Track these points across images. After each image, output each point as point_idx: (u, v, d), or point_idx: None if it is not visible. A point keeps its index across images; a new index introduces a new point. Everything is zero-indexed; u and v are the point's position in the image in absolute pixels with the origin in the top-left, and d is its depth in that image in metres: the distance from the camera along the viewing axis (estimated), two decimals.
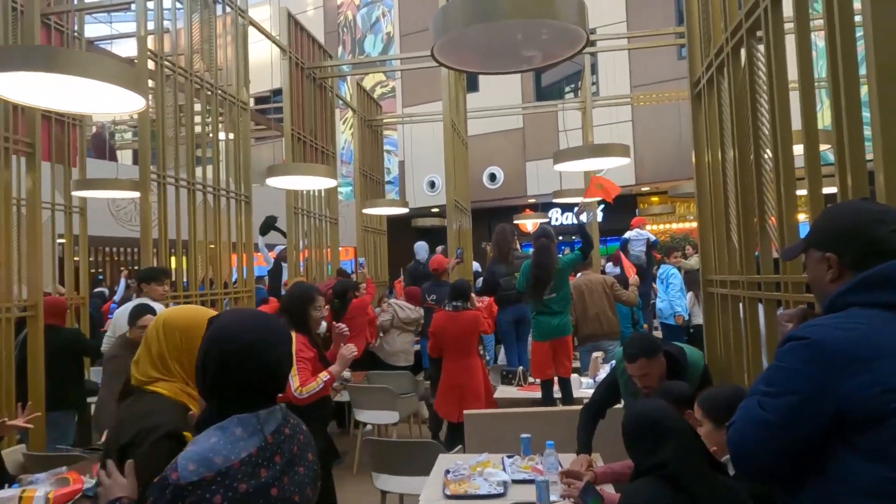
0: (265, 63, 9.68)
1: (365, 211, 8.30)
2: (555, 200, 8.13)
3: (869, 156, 1.50)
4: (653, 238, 8.16)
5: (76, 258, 6.13)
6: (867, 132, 1.50)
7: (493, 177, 14.44)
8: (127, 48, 11.55)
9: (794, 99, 1.89)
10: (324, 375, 2.82)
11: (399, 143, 15.38)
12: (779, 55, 1.97)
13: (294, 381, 2.72)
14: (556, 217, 14.58)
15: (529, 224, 11.45)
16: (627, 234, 8.00)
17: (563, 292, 4.41)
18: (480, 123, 11.77)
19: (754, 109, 2.17)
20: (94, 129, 10.26)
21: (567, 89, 14.23)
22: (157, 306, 3.83)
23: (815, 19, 2.15)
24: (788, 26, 1.93)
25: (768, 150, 2.04)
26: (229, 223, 5.62)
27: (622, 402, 2.90)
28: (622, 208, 13.92)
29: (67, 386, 3.68)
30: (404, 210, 8.27)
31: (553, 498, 2.28)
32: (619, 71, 12.44)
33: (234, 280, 5.95)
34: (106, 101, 2.63)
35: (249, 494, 1.14)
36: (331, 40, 15.30)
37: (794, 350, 1.07)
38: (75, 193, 5.63)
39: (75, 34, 5.97)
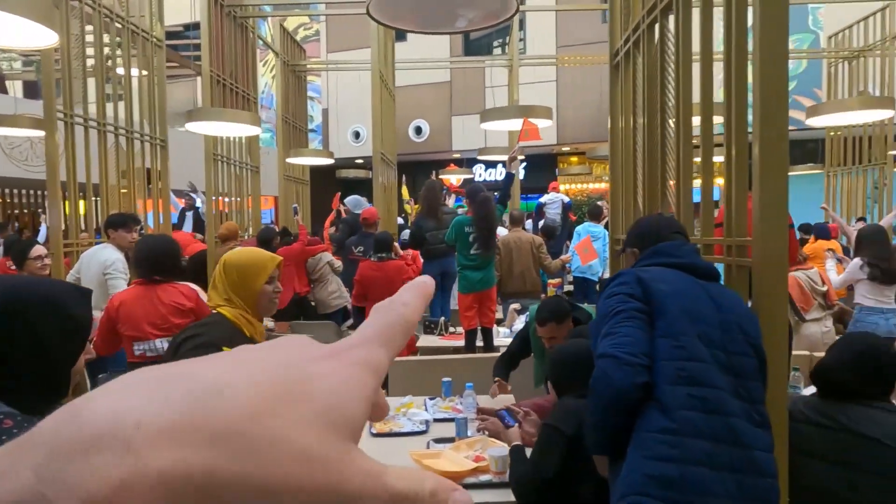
0: None
1: (289, 160, 8.12)
2: (479, 157, 8.31)
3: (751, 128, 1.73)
4: (567, 200, 8.55)
5: None
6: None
7: (419, 130, 14.40)
8: None
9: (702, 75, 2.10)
10: None
11: (323, 90, 14.92)
12: (686, 34, 2.16)
13: None
14: (480, 173, 14.82)
15: (454, 179, 11.61)
16: (543, 198, 8.34)
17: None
18: (408, 75, 11.63)
19: (663, 82, 2.37)
20: None
21: (495, 44, 14.26)
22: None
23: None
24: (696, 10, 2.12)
25: (671, 121, 2.26)
26: (143, 167, 5.37)
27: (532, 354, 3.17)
28: (542, 167, 14.38)
29: None
30: (329, 161, 8.17)
31: (470, 433, 2.51)
32: (546, 31, 12.60)
33: (147, 226, 5.73)
34: (13, 35, 2.46)
35: None
36: None
37: (620, 280, 1.67)
38: None
39: None
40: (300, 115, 9.56)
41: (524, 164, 11.90)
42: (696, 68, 2.10)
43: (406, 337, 0.28)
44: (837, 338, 3.10)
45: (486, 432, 2.44)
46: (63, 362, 1.03)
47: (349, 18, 10.55)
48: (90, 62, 4.89)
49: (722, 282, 1.83)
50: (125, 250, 3.86)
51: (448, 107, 14.16)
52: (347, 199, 7.74)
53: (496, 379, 3.10)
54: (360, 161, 14.76)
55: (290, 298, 5.59)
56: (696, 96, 2.11)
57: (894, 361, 1.79)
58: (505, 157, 8.79)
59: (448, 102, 14.16)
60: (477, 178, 14.43)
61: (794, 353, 3.00)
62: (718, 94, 1.96)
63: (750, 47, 1.73)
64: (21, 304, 0.99)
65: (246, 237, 6.74)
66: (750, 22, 1.73)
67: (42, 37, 2.44)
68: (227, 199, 7.00)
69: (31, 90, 12.93)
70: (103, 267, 3.74)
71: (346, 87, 13.91)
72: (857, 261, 4.39)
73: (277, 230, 6.47)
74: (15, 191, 11.28)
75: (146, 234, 3.94)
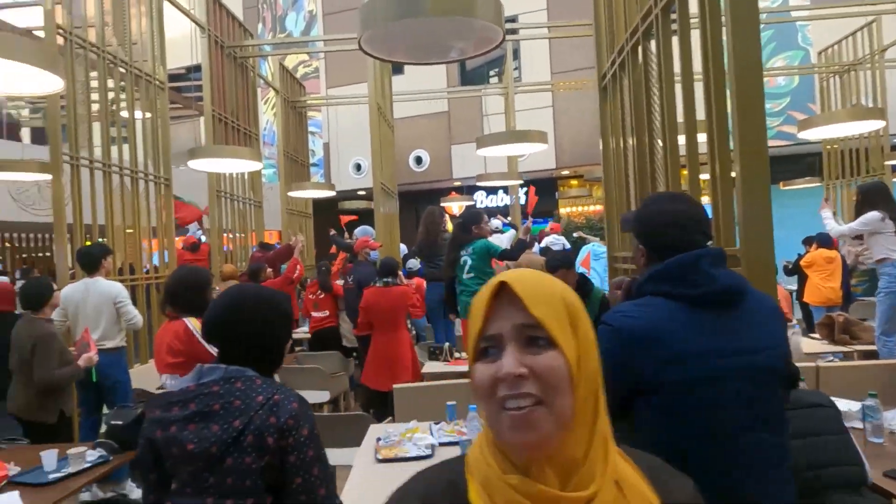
0: (179, 37, 9.30)
1: (291, 194, 8.23)
2: (479, 184, 8.39)
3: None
4: (568, 246, 8.52)
5: None
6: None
7: (419, 160, 14.57)
8: (21, 16, 10.67)
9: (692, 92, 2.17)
10: None
11: (324, 125, 15.16)
12: (667, 55, 2.24)
13: None
14: (482, 200, 14.93)
15: (455, 206, 11.71)
16: (545, 241, 8.25)
17: (483, 271, 4.60)
18: (406, 107, 11.84)
19: (648, 102, 2.44)
20: None
21: (491, 73, 14.52)
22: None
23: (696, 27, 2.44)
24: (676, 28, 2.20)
25: (659, 140, 2.32)
26: (148, 207, 5.47)
27: None
28: (544, 191, 14.45)
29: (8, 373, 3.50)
30: (331, 193, 8.27)
31: None
32: (539, 58, 12.84)
33: (151, 266, 5.80)
34: (20, 82, 2.56)
35: (155, 420, 1.36)
36: (250, 17, 14.78)
37: (604, 332, 1.35)
38: None
39: None
40: (301, 149, 9.72)
41: (524, 188, 11.99)
42: (678, 89, 2.16)
43: None
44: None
45: None
46: (284, 342, 1.48)
47: (347, 55, 10.80)
48: (95, 107, 5.03)
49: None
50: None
51: (447, 136, 14.36)
52: (356, 231, 7.81)
53: None
54: (362, 192, 14.89)
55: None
56: (681, 115, 2.17)
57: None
58: (504, 182, 8.90)
59: (447, 132, 14.36)
60: (479, 205, 14.54)
61: None
62: (701, 113, 2.02)
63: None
64: (263, 304, 1.46)
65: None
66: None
67: (48, 83, 2.53)
68: (230, 236, 7.09)
69: (38, 136, 13.18)
70: (113, 298, 4.02)
71: (346, 120, 14.14)
72: (875, 214, 4.31)
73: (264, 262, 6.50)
74: (23, 234, 11.44)
75: (181, 266, 4.12)
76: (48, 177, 4.66)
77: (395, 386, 3.84)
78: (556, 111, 13.10)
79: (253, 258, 6.18)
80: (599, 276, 6.73)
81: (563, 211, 15.09)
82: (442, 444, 2.77)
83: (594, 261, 6.76)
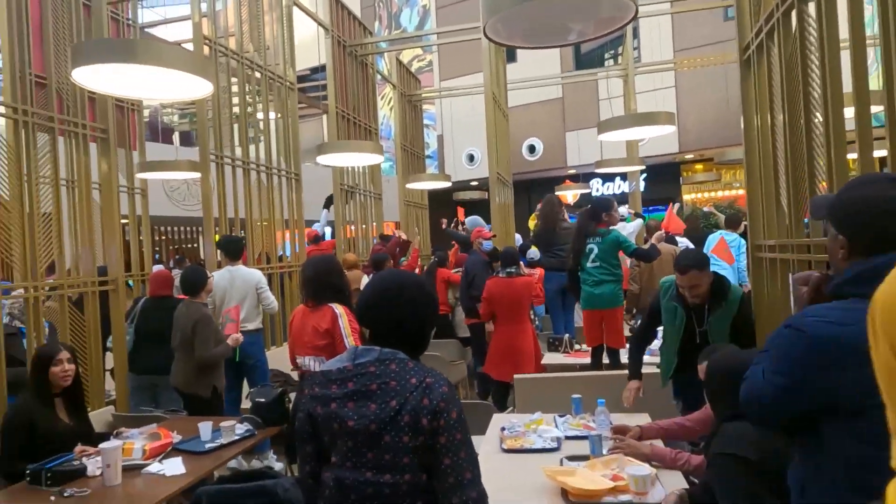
0: (303, 41, 9.86)
1: (409, 186, 8.45)
2: (597, 171, 8.09)
3: None
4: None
5: (140, 238, 6.49)
6: None
7: (532, 148, 14.38)
8: (171, 32, 11.84)
9: (848, 60, 1.91)
10: None
11: (437, 117, 15.42)
12: (830, 16, 1.98)
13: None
14: (598, 187, 14.45)
15: (570, 195, 11.42)
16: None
17: (609, 263, 4.37)
18: (519, 94, 11.71)
19: (805, 73, 2.19)
20: (147, 113, 10.67)
21: (607, 56, 13.95)
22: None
23: None
24: None
25: (818, 114, 2.07)
26: (281, 200, 5.86)
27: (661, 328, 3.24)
28: (664, 177, 13.71)
29: (170, 352, 3.93)
30: (447, 184, 8.39)
31: (605, 451, 2.42)
32: (661, 35, 12.12)
33: (286, 254, 6.21)
34: (177, 88, 2.82)
35: (316, 396, 1.42)
36: (367, 16, 15.34)
37: (790, 338, 1.15)
38: (139, 175, 5.94)
39: (129, 22, 6.22)
40: (417, 142, 9.95)
41: (644, 175, 11.42)
42: (844, 56, 1.91)
43: None
44: None
45: (620, 452, 2.34)
46: (431, 327, 1.54)
47: (460, 47, 10.86)
48: (234, 109, 5.46)
49: None
50: None
51: (561, 123, 14.03)
52: (467, 220, 7.87)
53: (630, 381, 3.17)
54: (474, 183, 14.99)
55: None
56: (847, 86, 1.92)
57: None
58: (624, 168, 8.51)
59: (561, 118, 14.03)
60: (594, 193, 14.08)
61: None
62: (874, 82, 1.78)
63: None
64: (415, 289, 1.49)
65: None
66: None
67: (201, 88, 2.77)
68: (352, 227, 7.42)
69: (184, 139, 14.64)
70: (256, 284, 4.45)
71: (459, 112, 14.27)
72: None
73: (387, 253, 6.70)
74: (175, 228, 12.78)
75: (313, 256, 4.44)
76: (197, 175, 5.13)
77: (516, 376, 3.82)
78: (680, 91, 12.33)
79: (374, 250, 6.43)
80: (734, 267, 6.21)
81: (686, 197, 14.21)
82: (568, 438, 2.71)
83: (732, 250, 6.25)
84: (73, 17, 3.93)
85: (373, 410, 1.34)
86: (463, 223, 8.03)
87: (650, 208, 12.14)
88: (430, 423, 1.31)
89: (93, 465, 2.59)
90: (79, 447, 2.74)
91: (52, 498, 2.36)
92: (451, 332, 6.06)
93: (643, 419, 2.85)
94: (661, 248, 5.19)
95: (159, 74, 2.60)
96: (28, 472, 2.49)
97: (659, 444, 2.50)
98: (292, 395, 3.45)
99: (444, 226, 7.95)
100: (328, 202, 7.28)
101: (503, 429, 2.81)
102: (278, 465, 4.03)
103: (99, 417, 3.46)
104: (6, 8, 3.47)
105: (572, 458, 2.42)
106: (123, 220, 6.70)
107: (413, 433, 1.32)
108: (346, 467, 1.37)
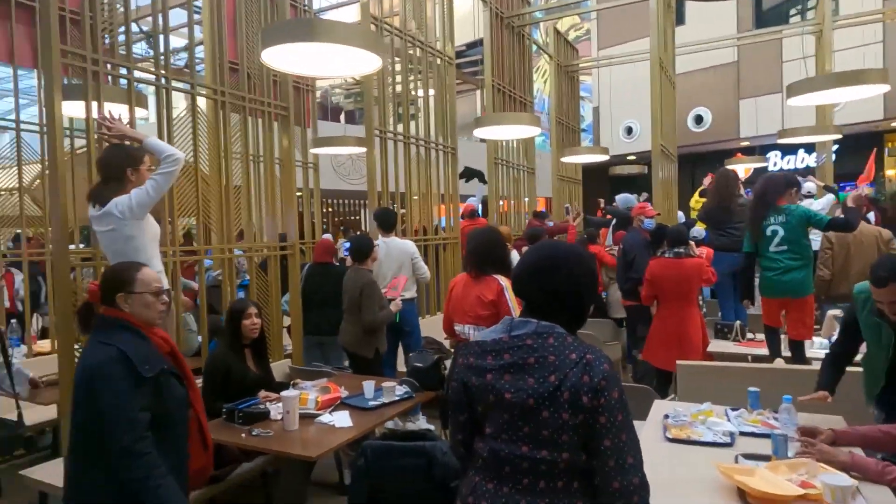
0: (459, 17, 9.93)
1: (564, 160, 8.22)
2: (780, 141, 7.17)
3: None
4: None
5: (311, 209, 7.08)
6: None
7: (698, 119, 13.24)
8: (340, 15, 12.62)
9: None
10: None
11: (593, 89, 14.79)
12: None
13: None
14: (776, 161, 12.94)
15: (742, 169, 10.34)
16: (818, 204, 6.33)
17: (799, 243, 3.83)
18: (684, 60, 10.78)
19: None
20: (318, 94, 11.55)
21: (792, 12, 12.30)
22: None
23: None
24: None
25: None
26: (438, 174, 6.01)
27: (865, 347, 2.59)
28: (862, 148, 11.85)
29: (332, 314, 4.32)
30: (604, 157, 8.02)
31: (790, 454, 2.16)
32: None
33: (442, 227, 6.39)
34: (350, 64, 2.96)
35: (470, 366, 1.40)
36: None
37: None
38: (313, 151, 6.44)
39: (305, 7, 6.70)
40: (573, 115, 9.62)
41: (836, 146, 9.97)
42: None
43: None
44: None
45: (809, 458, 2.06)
46: (590, 302, 1.46)
47: (622, 11, 10.22)
48: (396, 88, 5.66)
49: None
50: None
51: (734, 90, 12.71)
52: (618, 198, 7.48)
53: (816, 391, 2.59)
54: (632, 157, 14.23)
55: None
56: None
57: None
58: (815, 138, 7.47)
59: (734, 85, 12.70)
60: (771, 167, 12.63)
61: None
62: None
63: None
64: (575, 261, 1.42)
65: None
66: None
67: (372, 63, 2.88)
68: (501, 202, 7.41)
69: (348, 118, 15.64)
70: (410, 254, 4.66)
71: (618, 82, 13.54)
72: None
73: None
74: (340, 200, 13.79)
75: (476, 228, 4.50)
76: (362, 150, 5.42)
77: (679, 362, 3.55)
78: (889, 47, 10.50)
79: (530, 224, 6.38)
80: None
81: (889, 173, 12.20)
82: (743, 434, 2.46)
83: None
84: (262, 8, 4.30)
85: (531, 385, 1.30)
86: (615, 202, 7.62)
87: (843, 185, 10.61)
88: (591, 402, 1.25)
89: (275, 410, 2.90)
90: (262, 392, 3.08)
91: (243, 435, 2.68)
92: (605, 311, 5.83)
93: (837, 423, 2.50)
94: (861, 227, 4.41)
95: (335, 52, 2.75)
96: (224, 410, 2.86)
97: (859, 452, 2.17)
98: (447, 363, 3.55)
99: (601, 206, 7.65)
100: (466, 175, 7.29)
101: (666, 416, 2.63)
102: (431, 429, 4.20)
103: (278, 368, 3.85)
104: (209, 7, 3.91)
105: (749, 457, 2.19)
106: (297, 193, 7.39)
107: (573, 411, 1.26)
108: (502, 440, 1.34)
